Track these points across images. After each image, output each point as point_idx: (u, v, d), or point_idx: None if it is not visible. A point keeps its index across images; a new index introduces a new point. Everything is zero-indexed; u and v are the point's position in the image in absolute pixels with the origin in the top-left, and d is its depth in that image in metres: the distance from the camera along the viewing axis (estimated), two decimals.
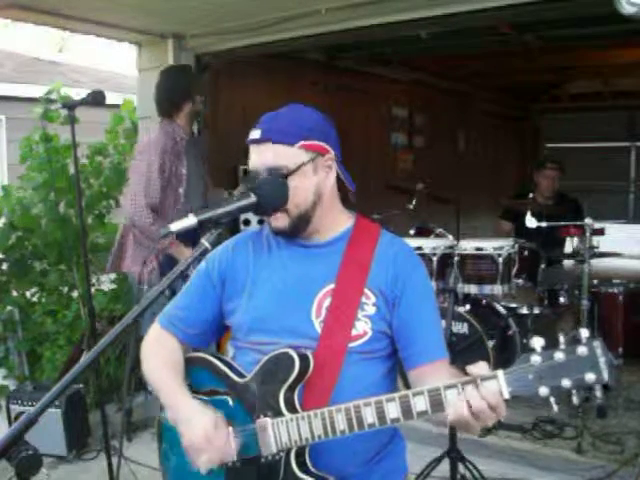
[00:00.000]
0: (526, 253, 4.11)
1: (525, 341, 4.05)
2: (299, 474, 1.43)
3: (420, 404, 1.31)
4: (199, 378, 1.59)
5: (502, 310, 4.16)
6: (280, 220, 1.54)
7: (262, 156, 1.52)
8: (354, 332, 1.51)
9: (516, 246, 4.00)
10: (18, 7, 3.59)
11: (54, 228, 4.22)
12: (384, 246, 1.59)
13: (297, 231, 1.56)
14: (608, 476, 3.20)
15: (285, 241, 1.62)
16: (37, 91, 4.38)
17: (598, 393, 1.24)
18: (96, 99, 3.19)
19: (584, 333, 1.23)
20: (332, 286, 1.54)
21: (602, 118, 9.25)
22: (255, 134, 1.54)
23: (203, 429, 1.44)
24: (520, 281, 4.04)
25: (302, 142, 1.52)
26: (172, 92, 3.56)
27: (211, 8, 3.69)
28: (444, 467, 2.83)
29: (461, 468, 2.82)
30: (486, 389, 1.25)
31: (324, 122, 1.59)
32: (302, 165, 1.52)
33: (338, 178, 1.61)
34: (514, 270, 3.97)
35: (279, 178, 1.50)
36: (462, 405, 1.26)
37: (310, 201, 1.54)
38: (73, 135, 3.20)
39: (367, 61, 6.04)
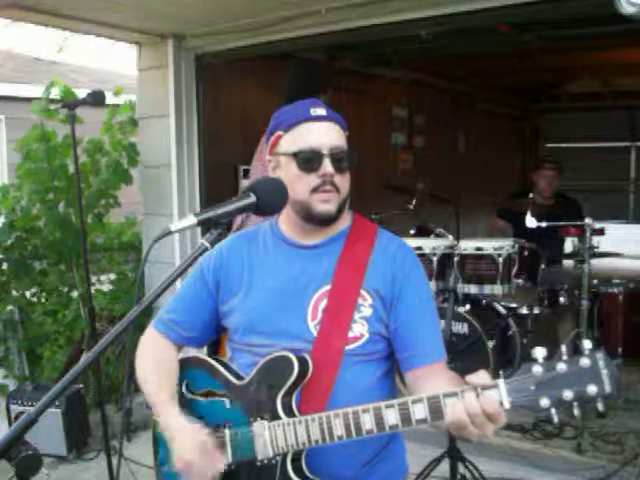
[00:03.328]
0: (526, 253, 4.11)
1: (525, 341, 4.05)
2: (295, 478, 1.42)
3: (419, 412, 1.29)
4: (196, 379, 1.59)
5: (502, 310, 4.16)
6: (331, 203, 1.52)
7: (329, 134, 1.52)
8: (350, 334, 1.49)
9: (516, 246, 3.99)
10: (18, 7, 3.58)
11: (54, 228, 4.22)
12: (382, 246, 1.58)
13: (337, 217, 1.55)
14: (608, 476, 3.20)
15: (281, 241, 1.61)
16: (37, 91, 4.37)
17: (600, 406, 1.22)
18: (96, 99, 3.19)
19: (587, 344, 1.21)
20: (328, 287, 1.52)
21: (602, 118, 9.23)
22: (320, 111, 1.52)
23: (189, 455, 1.45)
24: (520, 281, 4.03)
25: (347, 132, 1.57)
26: (302, 87, 3.47)
27: (211, 8, 3.70)
28: (444, 467, 2.83)
29: (461, 468, 2.82)
30: (486, 397, 1.23)
31: None
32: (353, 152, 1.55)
33: None
34: (514, 270, 3.96)
35: (278, 177, 1.50)
36: (461, 408, 1.24)
37: (349, 188, 1.57)
38: (73, 135, 3.20)
39: (367, 61, 6.04)
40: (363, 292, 1.52)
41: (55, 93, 4.17)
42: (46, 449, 3.47)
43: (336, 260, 1.55)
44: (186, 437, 1.46)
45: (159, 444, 1.63)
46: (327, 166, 1.49)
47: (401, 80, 6.72)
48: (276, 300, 1.54)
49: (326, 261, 1.55)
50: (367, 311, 1.51)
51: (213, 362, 1.58)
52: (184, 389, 1.59)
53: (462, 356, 3.68)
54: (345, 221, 1.62)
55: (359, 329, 1.50)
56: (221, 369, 1.55)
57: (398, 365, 1.56)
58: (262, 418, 1.44)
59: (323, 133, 1.51)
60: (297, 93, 3.40)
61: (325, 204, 1.51)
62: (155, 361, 1.61)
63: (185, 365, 1.62)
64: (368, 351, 1.51)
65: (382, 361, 1.56)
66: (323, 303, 1.51)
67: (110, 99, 4.62)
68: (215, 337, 1.72)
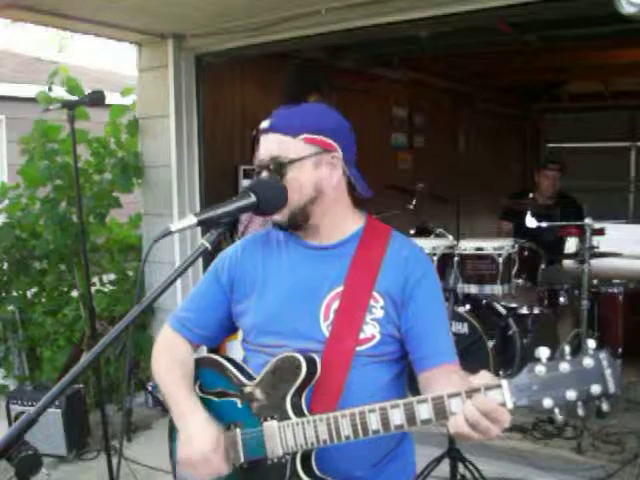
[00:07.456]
0: (526, 253, 4.11)
1: (525, 341, 4.05)
2: (304, 478, 1.43)
3: (424, 412, 1.30)
4: (209, 379, 1.60)
5: (502, 310, 4.16)
6: (279, 214, 1.53)
7: (267, 145, 1.53)
8: (362, 336, 1.49)
9: (516, 246, 3.99)
10: (18, 7, 3.59)
11: (54, 228, 4.21)
12: (395, 248, 1.57)
13: (295, 225, 1.54)
14: (608, 476, 3.20)
15: (294, 243, 1.61)
16: (37, 91, 4.35)
17: (604, 405, 1.21)
18: (96, 99, 3.20)
19: (591, 344, 1.20)
20: (340, 289, 1.52)
21: (602, 118, 9.24)
22: (264, 124, 1.55)
23: (202, 448, 1.46)
24: (520, 281, 4.04)
25: (305, 135, 1.52)
26: (296, 87, 3.52)
27: (211, 8, 3.70)
28: (444, 467, 2.83)
29: (461, 468, 2.82)
30: (487, 402, 1.23)
31: (339, 124, 1.59)
32: (302, 158, 1.51)
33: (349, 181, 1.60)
34: (514, 270, 3.96)
35: (278, 178, 1.50)
36: (461, 421, 1.24)
37: (308, 195, 1.52)
38: (73, 136, 3.20)
39: (367, 61, 6.04)
40: (375, 294, 1.51)
41: (58, 82, 4.14)
42: (46, 449, 3.47)
43: (349, 262, 1.55)
44: (202, 436, 1.48)
45: (174, 440, 1.64)
46: None
47: (401, 80, 6.72)
48: (289, 301, 1.54)
49: (339, 262, 1.55)
50: (379, 313, 1.51)
51: (225, 362, 1.59)
52: (197, 389, 1.61)
53: (462, 356, 3.66)
54: (358, 222, 1.62)
55: (371, 330, 1.50)
56: (233, 369, 1.56)
57: (411, 366, 1.56)
58: (272, 418, 1.45)
59: (264, 145, 1.54)
60: (293, 93, 3.45)
61: (275, 215, 1.54)
62: (171, 360, 1.63)
63: (199, 365, 1.63)
64: (379, 352, 1.51)
65: (393, 363, 1.55)
66: (335, 304, 1.51)
67: (117, 99, 4.63)
68: (229, 336, 1.72)
